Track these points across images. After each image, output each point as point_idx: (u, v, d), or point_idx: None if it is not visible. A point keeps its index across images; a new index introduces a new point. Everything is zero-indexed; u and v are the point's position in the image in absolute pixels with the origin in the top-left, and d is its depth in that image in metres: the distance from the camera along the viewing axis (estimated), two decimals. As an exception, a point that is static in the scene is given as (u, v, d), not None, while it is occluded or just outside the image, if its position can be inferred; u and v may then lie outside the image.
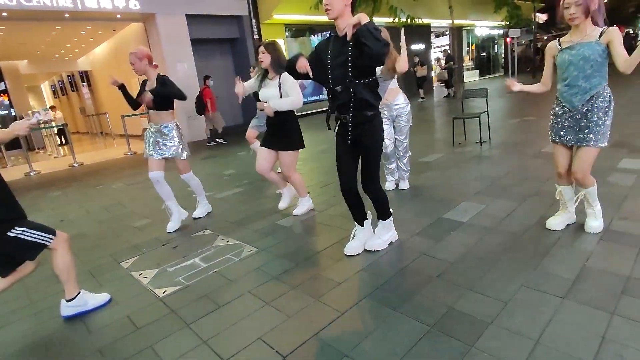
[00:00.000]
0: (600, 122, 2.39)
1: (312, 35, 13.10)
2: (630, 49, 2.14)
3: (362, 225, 2.78)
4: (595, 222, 2.65)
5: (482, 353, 1.69)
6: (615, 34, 2.28)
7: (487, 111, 5.84)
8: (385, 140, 3.68)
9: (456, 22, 14.00)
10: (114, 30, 11.34)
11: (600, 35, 2.32)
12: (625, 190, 3.26)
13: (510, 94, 11.71)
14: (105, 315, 2.37)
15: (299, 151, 3.56)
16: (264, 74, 3.44)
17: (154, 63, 3.48)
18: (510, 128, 6.68)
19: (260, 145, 3.62)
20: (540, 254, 2.44)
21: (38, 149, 13.31)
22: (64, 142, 12.75)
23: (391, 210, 2.79)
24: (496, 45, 23.10)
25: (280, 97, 3.29)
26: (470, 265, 2.42)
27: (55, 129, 11.73)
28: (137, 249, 3.38)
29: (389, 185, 4.11)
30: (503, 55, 23.00)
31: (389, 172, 4.12)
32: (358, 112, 2.39)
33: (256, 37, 7.16)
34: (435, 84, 17.02)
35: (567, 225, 2.78)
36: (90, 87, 16.17)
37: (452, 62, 13.56)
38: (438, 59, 15.65)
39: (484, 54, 22.39)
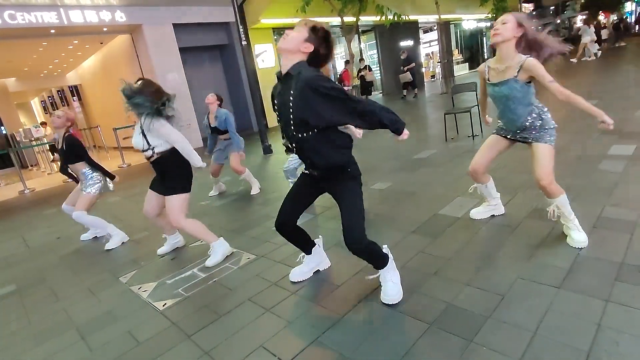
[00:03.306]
0: (542, 132, 2.36)
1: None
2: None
3: (310, 253, 2.55)
4: (579, 235, 2.37)
5: (482, 347, 1.71)
6: (535, 69, 2.17)
7: (477, 105, 5.87)
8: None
9: (443, 16, 14.06)
10: (102, 43, 11.30)
11: (519, 70, 2.24)
12: (615, 176, 3.30)
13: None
14: (106, 332, 2.37)
15: (186, 195, 3.07)
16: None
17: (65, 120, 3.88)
18: (501, 120, 6.72)
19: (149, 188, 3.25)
20: (534, 246, 2.46)
21: (31, 166, 13.23)
22: (56, 158, 12.70)
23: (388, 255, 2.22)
24: (484, 38, 23.19)
25: (147, 143, 2.90)
26: (467, 260, 2.45)
27: (47, 145, 11.67)
28: (135, 262, 3.38)
29: None
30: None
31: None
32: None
33: (244, 42, 7.17)
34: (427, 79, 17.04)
35: (493, 215, 2.98)
36: (81, 101, 16.11)
37: (413, 64, 13.29)
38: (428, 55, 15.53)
39: (473, 47, 22.47)
